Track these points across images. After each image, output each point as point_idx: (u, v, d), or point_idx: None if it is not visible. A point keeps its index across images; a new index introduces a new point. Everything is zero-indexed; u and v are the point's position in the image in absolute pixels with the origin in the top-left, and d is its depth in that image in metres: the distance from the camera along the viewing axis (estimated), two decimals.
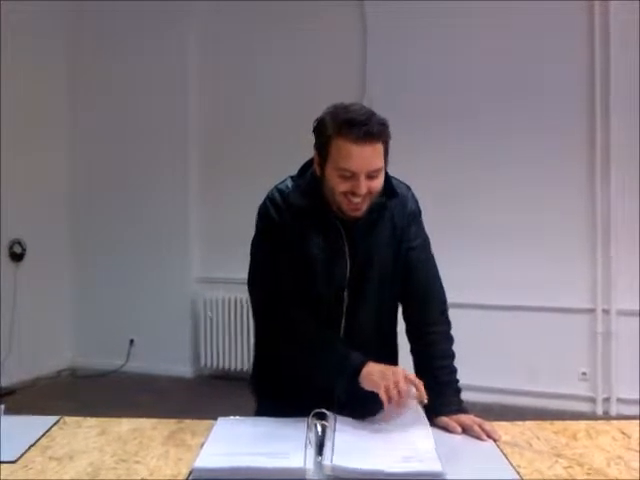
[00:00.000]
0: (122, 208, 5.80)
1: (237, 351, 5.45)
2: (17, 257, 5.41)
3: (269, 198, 1.73)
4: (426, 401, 1.54)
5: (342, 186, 1.58)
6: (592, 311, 4.67)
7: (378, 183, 1.60)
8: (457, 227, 4.73)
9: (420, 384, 1.54)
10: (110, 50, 5.78)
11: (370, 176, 1.56)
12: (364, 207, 1.61)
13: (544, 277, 4.69)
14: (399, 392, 1.51)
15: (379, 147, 1.56)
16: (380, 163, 1.58)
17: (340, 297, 1.70)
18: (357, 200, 1.58)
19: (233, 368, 5.48)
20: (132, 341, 5.77)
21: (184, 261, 5.67)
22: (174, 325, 5.66)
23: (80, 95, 5.88)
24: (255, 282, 1.75)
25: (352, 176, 1.56)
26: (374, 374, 1.56)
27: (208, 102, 5.61)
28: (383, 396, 1.51)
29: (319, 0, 5.19)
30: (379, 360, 1.69)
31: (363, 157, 1.54)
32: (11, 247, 5.37)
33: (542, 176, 4.73)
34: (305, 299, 1.69)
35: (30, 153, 5.45)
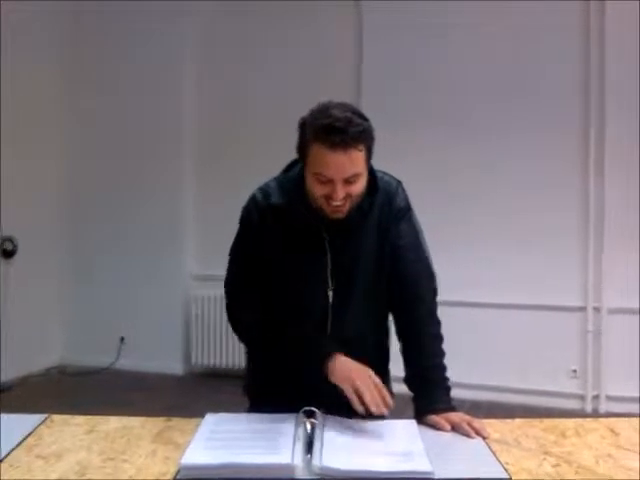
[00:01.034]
0: (115, 206, 5.78)
1: (228, 349, 5.45)
2: (8, 254, 5.38)
3: (251, 198, 1.74)
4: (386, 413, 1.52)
5: (320, 190, 1.57)
6: (583, 309, 4.69)
7: (357, 187, 1.58)
8: (448, 225, 4.72)
9: (387, 396, 1.52)
10: (107, 51, 5.78)
11: (348, 181, 1.55)
12: (346, 209, 1.60)
13: (535, 275, 4.70)
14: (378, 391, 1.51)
15: (356, 153, 1.53)
16: (357, 169, 1.55)
17: (324, 297, 1.69)
18: (336, 203, 1.57)
19: (224, 366, 5.47)
20: (123, 338, 5.75)
21: (175, 259, 5.65)
22: (165, 322, 5.65)
23: (76, 94, 5.85)
24: (227, 281, 1.78)
25: (328, 181, 1.55)
26: (344, 370, 1.55)
27: (204, 100, 5.61)
28: (352, 396, 1.50)
29: (315, 0, 5.18)
30: (370, 362, 1.69)
31: (339, 164, 1.52)
32: (2, 244, 5.34)
33: (534, 175, 4.75)
34: (287, 300, 1.70)
35: (23, 151, 5.41)
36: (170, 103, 5.62)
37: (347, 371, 1.55)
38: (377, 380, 1.54)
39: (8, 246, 5.37)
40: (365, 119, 1.57)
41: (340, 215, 1.61)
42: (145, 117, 5.64)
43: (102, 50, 5.79)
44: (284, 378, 1.71)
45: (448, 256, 4.53)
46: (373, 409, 1.48)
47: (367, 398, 1.49)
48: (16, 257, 5.42)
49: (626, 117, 4.55)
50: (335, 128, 1.50)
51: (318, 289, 1.69)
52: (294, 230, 1.68)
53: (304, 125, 1.58)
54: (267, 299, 1.73)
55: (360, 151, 1.54)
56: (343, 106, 1.58)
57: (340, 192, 1.55)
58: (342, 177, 1.54)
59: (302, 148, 1.59)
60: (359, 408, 1.49)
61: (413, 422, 1.59)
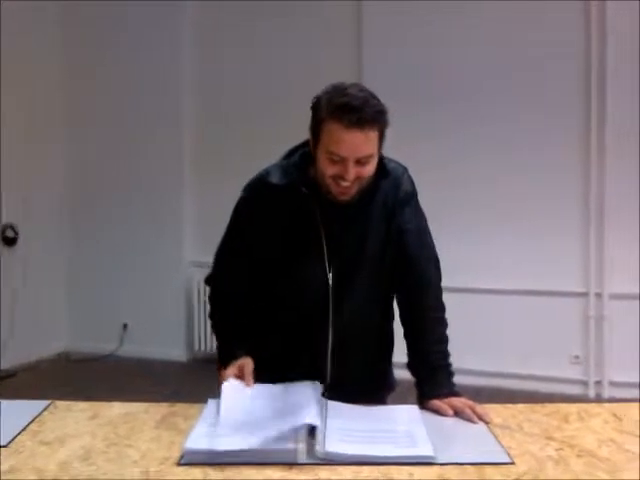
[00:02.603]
0: (116, 193, 5.78)
1: None
2: (10, 241, 5.38)
3: (248, 184, 1.75)
4: None
5: (331, 169, 1.56)
6: (585, 295, 4.69)
7: (368, 169, 1.57)
8: (449, 211, 4.71)
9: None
10: (107, 50, 5.77)
11: (360, 162, 1.54)
12: (353, 191, 1.59)
13: (537, 261, 4.70)
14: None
15: (371, 134, 1.52)
16: (371, 150, 1.55)
17: (324, 280, 1.68)
18: (345, 184, 1.56)
19: None
20: (125, 325, 5.77)
21: (178, 245, 5.66)
22: (168, 309, 5.66)
23: (78, 84, 5.85)
24: (216, 256, 1.84)
25: (341, 161, 1.54)
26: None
27: (203, 91, 5.61)
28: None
29: (315, 0, 5.16)
30: (373, 346, 1.69)
31: (353, 143, 1.51)
32: (4, 232, 5.34)
33: (535, 160, 4.74)
34: (286, 284, 1.72)
35: (26, 140, 5.42)
36: (170, 91, 5.61)
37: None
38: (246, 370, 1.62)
39: (10, 233, 5.37)
40: (379, 101, 1.57)
41: (346, 197, 1.60)
42: (144, 106, 5.64)
43: (102, 49, 5.78)
44: (288, 362, 1.72)
45: (449, 241, 4.49)
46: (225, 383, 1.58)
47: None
48: (18, 245, 5.42)
49: (628, 102, 4.53)
50: (352, 107, 1.49)
51: (317, 272, 1.68)
52: (291, 212, 1.67)
53: (318, 104, 1.57)
54: (253, 288, 1.77)
55: (375, 132, 1.53)
56: (359, 86, 1.58)
57: (351, 172, 1.54)
58: (356, 156, 1.53)
59: (315, 126, 1.57)
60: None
61: (415, 407, 1.59)
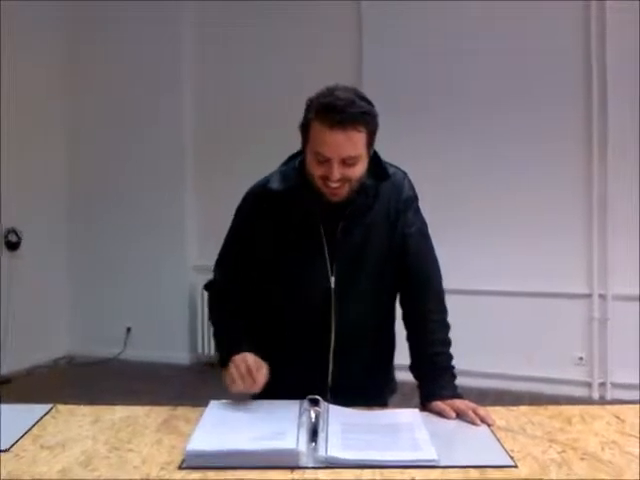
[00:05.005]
0: (119, 197, 5.79)
1: None
2: (13, 246, 5.39)
3: (249, 192, 1.76)
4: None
5: (318, 170, 1.57)
6: (589, 296, 4.68)
7: (355, 171, 1.57)
8: (453, 213, 4.73)
9: (257, 377, 1.58)
10: (107, 50, 5.80)
11: (346, 163, 1.54)
12: (343, 193, 1.60)
13: (540, 262, 4.69)
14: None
15: (356, 135, 1.53)
16: (356, 151, 1.54)
17: (326, 284, 1.68)
18: (334, 185, 1.57)
19: None
20: (129, 329, 5.77)
21: (181, 249, 5.67)
22: (171, 312, 5.66)
23: (79, 88, 5.89)
24: (216, 263, 1.83)
25: (326, 161, 1.54)
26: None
27: (204, 95, 5.63)
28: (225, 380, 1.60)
29: (315, 0, 5.16)
30: (374, 348, 1.69)
31: (336, 143, 1.52)
32: (7, 236, 5.35)
33: (538, 162, 4.73)
34: (289, 287, 1.72)
35: (27, 143, 5.44)
36: (171, 95, 5.63)
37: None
38: (251, 362, 1.59)
39: (12, 238, 5.38)
40: (369, 103, 1.57)
41: (336, 198, 1.61)
42: (145, 109, 5.67)
43: (102, 49, 5.81)
44: (291, 365, 1.71)
45: (454, 244, 4.55)
46: (239, 383, 1.57)
47: (235, 377, 1.58)
48: (21, 249, 5.43)
49: (629, 102, 4.51)
50: (335, 107, 1.51)
51: (319, 275, 1.68)
52: (293, 217, 1.68)
53: (308, 104, 1.59)
54: (255, 292, 1.77)
55: (359, 132, 1.53)
56: (349, 89, 1.59)
57: (336, 172, 1.54)
58: (339, 157, 1.53)
59: (304, 127, 1.59)
60: (231, 387, 1.59)
61: (416, 411, 1.58)
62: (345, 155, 1.53)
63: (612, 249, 4.60)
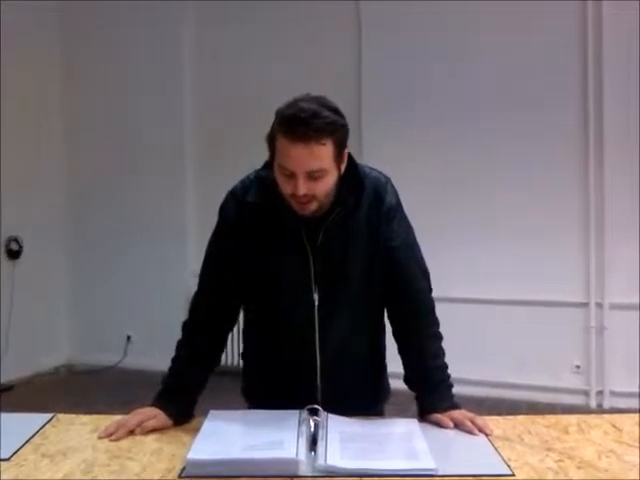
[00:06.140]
0: (118, 204, 5.80)
1: (234, 347, 5.40)
2: (14, 254, 5.40)
3: (230, 193, 1.70)
4: None
5: (284, 183, 1.52)
6: (585, 305, 4.68)
7: (323, 185, 1.51)
8: (447, 221, 4.73)
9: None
10: (107, 50, 5.81)
11: (312, 177, 1.48)
12: (312, 207, 1.53)
13: (537, 271, 4.70)
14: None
15: (320, 148, 1.46)
16: (321, 164, 1.48)
17: (310, 300, 1.63)
18: (302, 200, 1.51)
19: (229, 364, 5.46)
20: (129, 337, 5.77)
21: (181, 257, 5.65)
22: (171, 321, 5.58)
23: (78, 91, 5.90)
24: (199, 280, 1.85)
25: (292, 175, 1.49)
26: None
27: (205, 99, 5.63)
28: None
29: (315, 0, 5.18)
30: (364, 362, 1.70)
31: (299, 157, 1.46)
32: (8, 244, 5.36)
33: (535, 170, 4.74)
34: (271, 304, 1.68)
35: (27, 150, 5.45)
36: (171, 98, 5.64)
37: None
38: (147, 424, 1.55)
39: (14, 246, 5.39)
40: (337, 113, 1.50)
41: (306, 213, 1.54)
42: (145, 114, 5.67)
43: (102, 49, 5.81)
44: (279, 380, 1.70)
45: (451, 253, 4.57)
46: (115, 426, 1.52)
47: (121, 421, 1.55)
48: (22, 257, 5.44)
49: (626, 111, 4.53)
50: (298, 119, 1.44)
51: (302, 292, 1.63)
52: (273, 230, 1.62)
53: (275, 115, 1.52)
54: (236, 310, 1.78)
55: (323, 145, 1.46)
56: (315, 99, 1.51)
57: (302, 187, 1.48)
58: (303, 171, 1.47)
59: (270, 140, 1.54)
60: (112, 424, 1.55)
61: (415, 421, 1.59)
62: (309, 169, 1.47)
63: (609, 258, 4.61)
